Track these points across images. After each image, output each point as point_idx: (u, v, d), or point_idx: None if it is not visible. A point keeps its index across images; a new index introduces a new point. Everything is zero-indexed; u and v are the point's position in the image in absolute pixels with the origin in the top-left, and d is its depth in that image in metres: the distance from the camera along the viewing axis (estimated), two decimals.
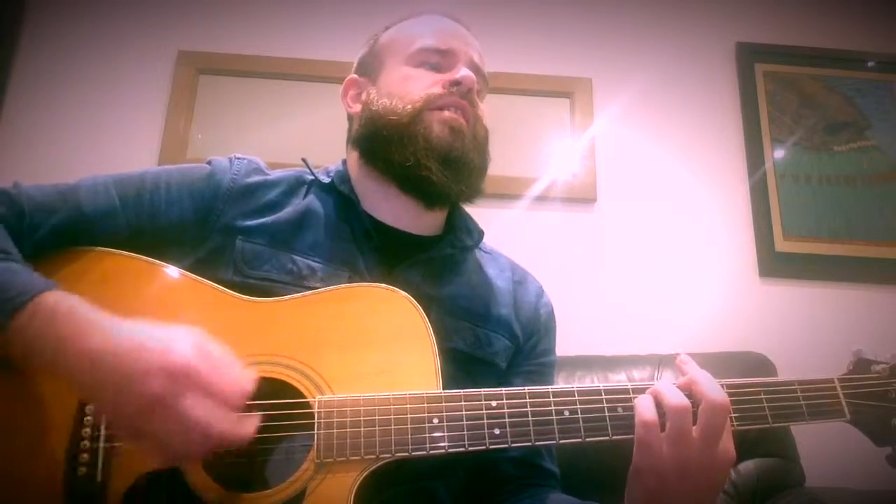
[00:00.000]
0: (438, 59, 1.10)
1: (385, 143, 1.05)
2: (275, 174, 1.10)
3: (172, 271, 0.93)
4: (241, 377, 0.75)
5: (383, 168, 1.07)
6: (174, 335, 0.74)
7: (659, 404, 0.81)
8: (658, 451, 0.79)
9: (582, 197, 2.22)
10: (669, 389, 0.82)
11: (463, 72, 1.07)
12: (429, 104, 1.04)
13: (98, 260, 0.92)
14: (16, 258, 0.84)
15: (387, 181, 1.07)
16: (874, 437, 0.89)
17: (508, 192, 2.14)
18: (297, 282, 0.97)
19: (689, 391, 0.82)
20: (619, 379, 1.74)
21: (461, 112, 1.06)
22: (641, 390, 0.85)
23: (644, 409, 0.81)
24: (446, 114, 1.05)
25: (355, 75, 1.19)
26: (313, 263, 0.99)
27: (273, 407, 0.82)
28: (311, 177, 1.11)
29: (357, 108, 1.14)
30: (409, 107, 1.04)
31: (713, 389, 0.81)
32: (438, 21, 1.17)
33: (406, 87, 1.07)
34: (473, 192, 1.10)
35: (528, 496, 1.07)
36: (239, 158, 1.09)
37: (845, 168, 2.31)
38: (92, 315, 0.76)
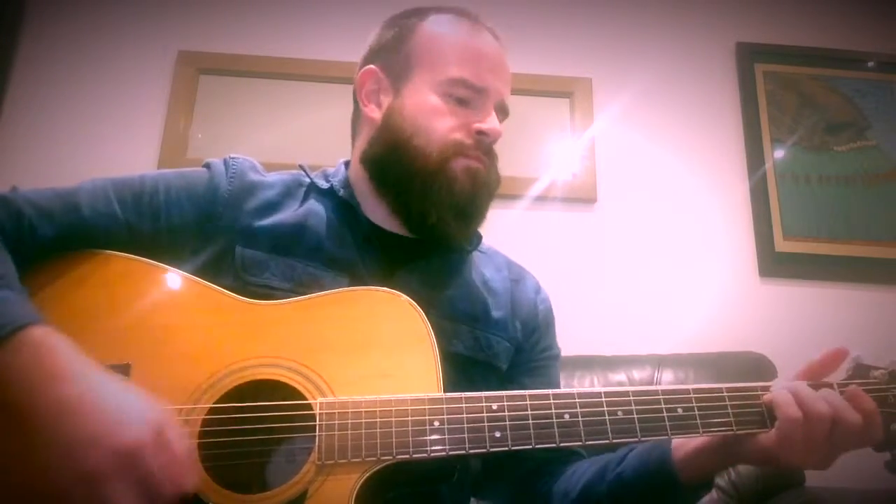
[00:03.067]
0: (470, 95, 1.04)
1: (404, 185, 1.02)
2: (271, 176, 1.09)
3: (173, 274, 0.93)
4: (186, 476, 0.73)
5: (393, 203, 1.05)
6: (137, 410, 0.72)
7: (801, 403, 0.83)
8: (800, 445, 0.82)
9: (582, 197, 2.22)
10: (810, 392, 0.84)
11: (491, 123, 1.03)
12: (455, 153, 1.01)
13: (100, 263, 0.92)
14: (9, 283, 0.81)
15: (396, 216, 1.05)
16: None
17: (508, 192, 2.14)
18: (297, 289, 0.96)
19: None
20: (618, 379, 1.74)
21: (482, 163, 1.04)
22: (643, 393, 0.86)
23: (787, 404, 0.83)
24: (472, 163, 1.02)
25: (375, 67, 1.08)
26: (313, 270, 0.99)
27: (274, 409, 0.82)
28: (308, 180, 1.11)
29: (376, 113, 1.07)
30: (436, 153, 1.00)
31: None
32: (478, 40, 1.08)
33: (432, 123, 1.01)
34: (470, 237, 1.10)
35: (557, 475, 1.07)
36: (234, 158, 1.08)
37: (845, 168, 2.31)
38: (72, 360, 0.74)
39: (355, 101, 1.13)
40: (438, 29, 1.08)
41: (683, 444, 0.92)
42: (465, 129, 1.02)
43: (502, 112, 1.10)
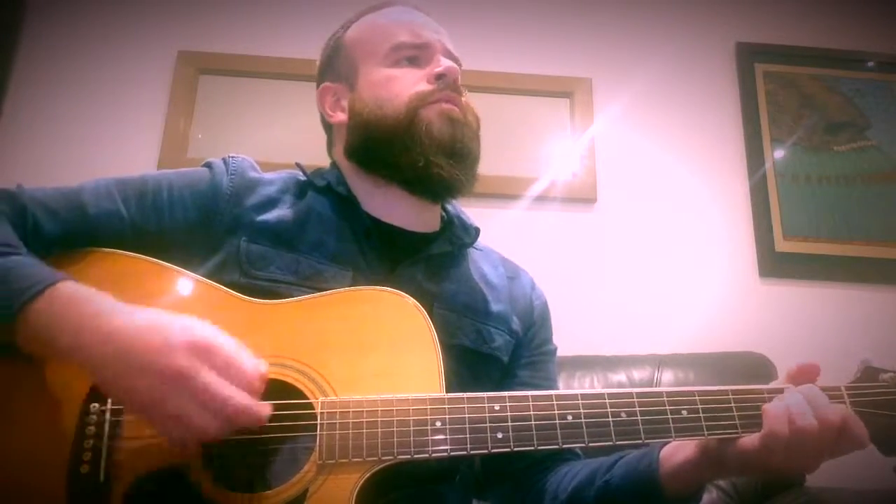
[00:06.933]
0: (415, 54, 1.09)
1: (387, 149, 1.04)
2: (268, 175, 1.10)
3: (176, 272, 0.93)
4: (256, 363, 0.77)
5: (389, 173, 1.07)
6: (191, 319, 0.77)
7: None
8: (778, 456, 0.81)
9: (582, 197, 2.22)
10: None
11: (445, 63, 1.06)
12: (422, 101, 1.04)
13: (102, 260, 0.92)
14: (27, 252, 0.85)
15: (391, 185, 1.07)
16: (882, 446, 0.87)
17: (508, 192, 2.15)
18: (303, 282, 0.97)
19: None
20: (618, 379, 1.74)
21: (454, 103, 1.06)
22: (647, 394, 0.85)
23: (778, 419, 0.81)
24: (443, 105, 1.05)
25: (328, 83, 1.16)
26: (317, 264, 0.99)
27: (276, 408, 0.82)
28: (304, 178, 1.11)
29: (341, 117, 1.12)
30: (403, 108, 1.04)
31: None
32: (404, 13, 1.14)
33: (392, 89, 1.05)
34: (473, 181, 1.10)
35: (551, 473, 1.07)
36: (233, 157, 1.09)
37: (845, 168, 2.31)
38: (110, 300, 0.78)
39: (325, 124, 1.19)
40: (363, 26, 1.15)
41: (670, 457, 0.92)
42: (423, 79, 1.06)
43: (453, 61, 1.11)
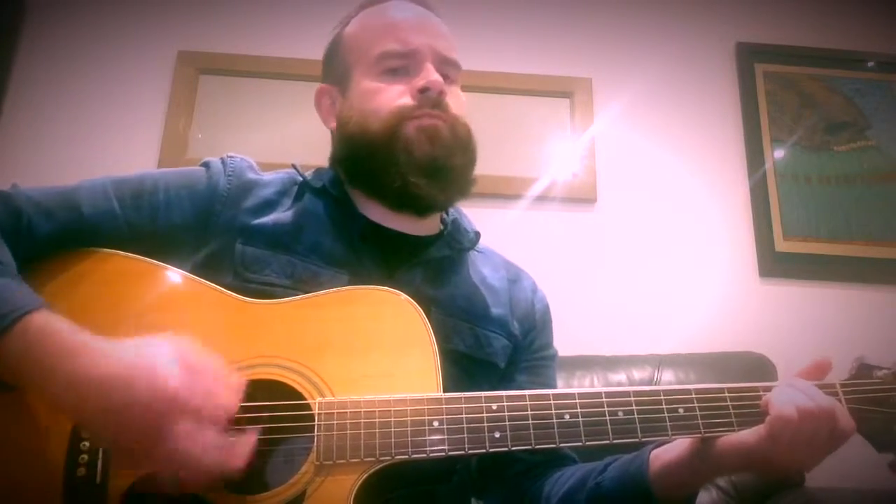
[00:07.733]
0: (402, 63, 1.04)
1: (367, 167, 1.03)
2: (266, 175, 1.09)
3: (173, 273, 0.93)
4: (229, 387, 0.74)
5: (370, 191, 1.05)
6: (159, 356, 0.73)
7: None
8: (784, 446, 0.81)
9: (582, 197, 2.22)
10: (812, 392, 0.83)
11: (432, 76, 1.02)
12: (402, 118, 1.01)
13: (99, 261, 0.92)
14: (8, 270, 0.82)
15: (375, 199, 1.05)
16: (876, 442, 0.88)
17: (508, 192, 2.14)
18: (298, 286, 0.96)
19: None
20: (618, 379, 1.74)
21: (437, 117, 1.02)
22: (644, 393, 0.85)
23: (783, 404, 0.81)
24: (424, 122, 1.01)
25: (324, 84, 1.13)
26: (313, 266, 0.99)
27: (273, 409, 0.82)
28: (301, 179, 1.10)
29: (333, 123, 1.11)
30: (384, 124, 1.01)
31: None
32: (399, 11, 1.09)
33: (374, 103, 1.02)
34: (463, 192, 1.07)
35: (546, 478, 1.07)
36: (231, 157, 1.08)
37: (845, 168, 2.31)
38: (79, 338, 0.75)
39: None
40: (358, 24, 1.12)
41: (658, 457, 0.92)
42: (407, 93, 1.02)
43: (449, 65, 1.07)
